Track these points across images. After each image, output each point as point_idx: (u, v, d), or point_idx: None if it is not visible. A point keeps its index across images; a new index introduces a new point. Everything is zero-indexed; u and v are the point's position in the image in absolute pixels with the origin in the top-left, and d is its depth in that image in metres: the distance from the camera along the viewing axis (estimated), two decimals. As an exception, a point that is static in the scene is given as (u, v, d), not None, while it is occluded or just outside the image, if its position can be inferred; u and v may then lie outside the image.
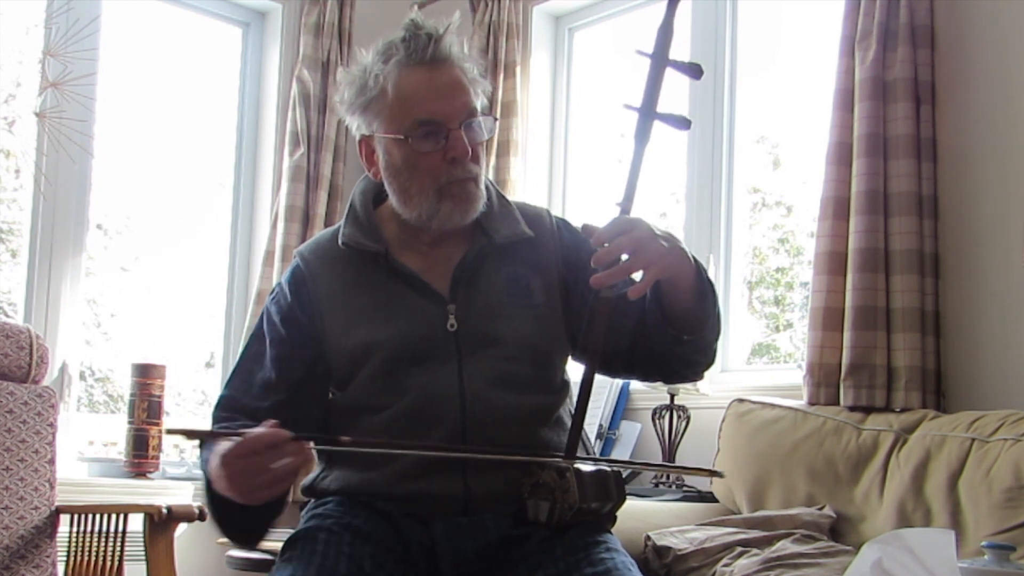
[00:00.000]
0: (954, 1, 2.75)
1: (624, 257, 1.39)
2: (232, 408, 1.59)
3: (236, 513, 1.43)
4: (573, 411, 1.51)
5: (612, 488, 1.50)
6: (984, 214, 2.65)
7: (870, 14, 2.75)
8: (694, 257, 1.50)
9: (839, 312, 2.71)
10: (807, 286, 3.01)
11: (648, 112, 1.45)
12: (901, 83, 2.68)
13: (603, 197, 3.85)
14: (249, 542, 1.55)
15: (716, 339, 1.58)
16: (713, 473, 1.59)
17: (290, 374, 1.59)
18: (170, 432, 1.38)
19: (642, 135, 1.45)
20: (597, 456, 2.55)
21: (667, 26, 1.45)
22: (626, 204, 1.45)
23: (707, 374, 1.77)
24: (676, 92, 3.37)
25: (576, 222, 1.75)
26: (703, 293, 1.50)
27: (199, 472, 3.57)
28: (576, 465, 1.45)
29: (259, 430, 1.30)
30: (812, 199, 2.95)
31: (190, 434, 1.45)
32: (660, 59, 1.45)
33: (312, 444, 1.38)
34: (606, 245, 1.39)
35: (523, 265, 1.62)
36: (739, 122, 3.40)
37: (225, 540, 3.20)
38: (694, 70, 1.47)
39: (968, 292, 2.66)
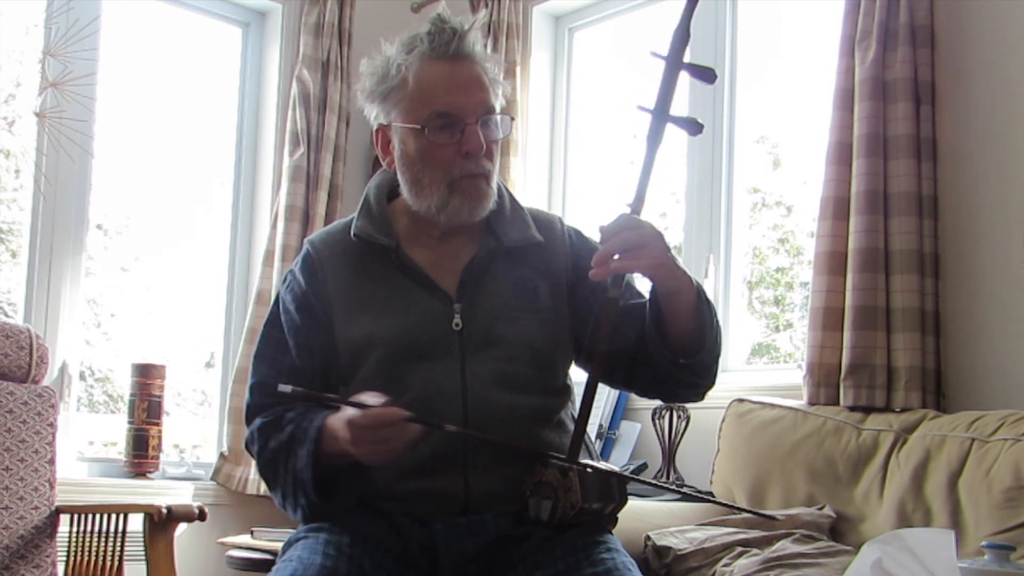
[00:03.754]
0: (954, 1, 2.75)
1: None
2: (271, 393, 1.59)
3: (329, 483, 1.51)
4: (576, 414, 1.51)
5: (614, 489, 1.50)
6: (984, 214, 2.65)
7: (870, 14, 2.75)
8: (697, 282, 1.51)
9: (839, 312, 2.71)
10: (807, 286, 3.01)
11: (661, 114, 1.46)
12: (901, 83, 2.69)
13: (603, 197, 3.86)
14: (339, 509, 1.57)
15: (714, 363, 1.58)
16: (771, 517, 1.59)
17: (309, 363, 1.60)
18: (283, 391, 1.43)
19: (655, 137, 1.46)
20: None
21: (683, 29, 1.46)
22: (636, 205, 1.46)
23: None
24: (676, 92, 3.37)
25: (577, 221, 1.76)
26: (702, 317, 1.51)
27: (199, 472, 3.55)
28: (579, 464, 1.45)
29: (379, 409, 1.37)
30: (812, 199, 2.95)
31: (309, 396, 1.50)
32: (675, 62, 1.45)
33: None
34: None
35: (531, 269, 1.63)
36: (739, 122, 3.40)
37: (226, 539, 3.19)
38: (708, 75, 1.48)
39: (968, 292, 2.66)
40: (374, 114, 1.62)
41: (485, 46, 1.58)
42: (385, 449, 1.40)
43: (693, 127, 1.47)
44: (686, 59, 1.48)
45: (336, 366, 1.60)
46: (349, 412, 1.40)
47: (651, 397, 1.69)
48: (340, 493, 1.52)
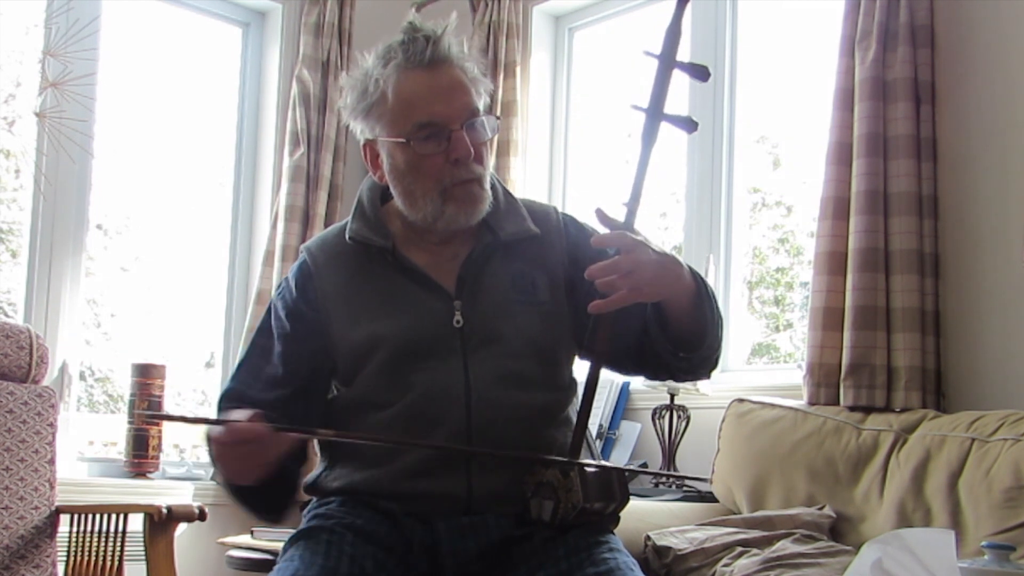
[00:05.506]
0: (954, 1, 2.75)
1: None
2: (238, 399, 1.59)
3: (253, 491, 1.52)
4: (578, 411, 1.51)
5: (616, 489, 1.50)
6: (984, 214, 2.65)
7: (870, 14, 2.75)
8: (697, 274, 1.51)
9: (839, 312, 2.71)
10: (807, 286, 3.01)
11: (655, 113, 1.45)
12: (901, 83, 2.69)
13: (603, 197, 3.85)
14: (270, 515, 1.62)
15: (715, 351, 1.59)
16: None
17: (296, 368, 1.59)
18: (149, 416, 1.45)
19: (649, 136, 1.46)
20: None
21: (675, 28, 1.46)
22: (632, 204, 1.46)
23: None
24: (676, 92, 3.37)
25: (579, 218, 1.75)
26: (703, 315, 1.51)
27: (200, 472, 3.55)
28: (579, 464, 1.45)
29: (241, 424, 1.36)
30: (812, 199, 2.95)
31: (169, 418, 1.49)
32: (668, 61, 1.45)
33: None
34: (610, 251, 1.40)
35: (529, 262, 1.62)
36: (739, 122, 3.40)
37: (226, 539, 3.20)
38: (701, 72, 1.48)
39: (968, 292, 2.66)
40: (359, 130, 1.60)
41: (461, 46, 1.55)
42: (249, 466, 1.40)
43: (688, 125, 1.47)
44: (682, 57, 1.47)
45: (330, 371, 1.60)
46: (214, 430, 1.40)
47: (660, 379, 1.73)
48: (261, 495, 1.53)
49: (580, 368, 1.67)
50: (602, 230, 1.48)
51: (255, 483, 1.45)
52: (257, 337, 1.66)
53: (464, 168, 1.54)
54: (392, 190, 1.60)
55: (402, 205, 1.59)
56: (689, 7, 1.49)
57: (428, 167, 1.53)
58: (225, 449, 1.39)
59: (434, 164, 1.53)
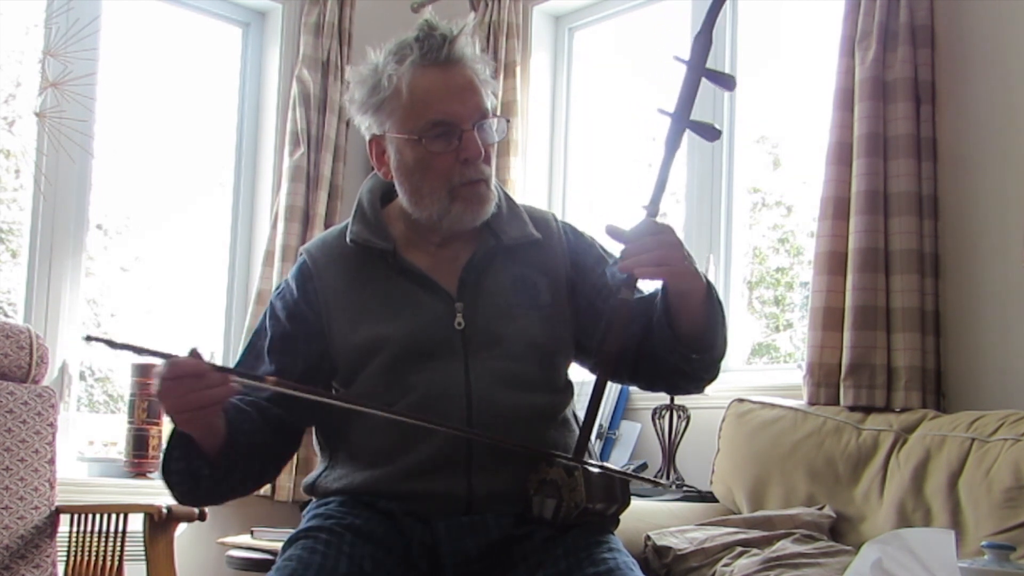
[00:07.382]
0: (954, 1, 2.75)
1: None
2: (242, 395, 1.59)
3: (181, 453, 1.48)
4: (584, 413, 1.51)
5: (618, 490, 1.50)
6: (984, 214, 2.66)
7: (870, 14, 2.75)
8: (707, 279, 1.52)
9: (839, 312, 2.71)
10: (807, 286, 3.01)
11: (681, 119, 1.46)
12: (901, 83, 2.69)
13: (603, 197, 3.86)
14: (198, 490, 1.55)
15: (722, 358, 1.60)
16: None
17: (292, 367, 1.59)
18: (89, 339, 1.40)
19: (673, 141, 1.47)
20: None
21: (706, 35, 1.47)
22: (652, 208, 1.48)
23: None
24: (674, 91, 3.37)
25: (576, 221, 1.76)
26: (713, 313, 1.52)
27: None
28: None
29: (183, 358, 1.36)
30: (812, 199, 2.95)
31: (111, 344, 1.42)
32: (697, 68, 1.46)
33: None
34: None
35: (530, 266, 1.63)
36: (739, 122, 3.40)
37: (226, 539, 3.19)
38: (728, 81, 1.49)
39: (968, 292, 2.66)
40: (366, 125, 1.60)
41: (474, 48, 1.57)
42: (191, 404, 1.36)
43: (711, 133, 1.48)
44: (709, 65, 1.48)
45: (329, 372, 1.60)
46: (160, 368, 1.38)
47: (655, 390, 1.70)
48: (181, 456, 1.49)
49: (576, 371, 1.67)
50: (603, 239, 1.49)
51: (195, 435, 1.43)
52: (254, 338, 1.66)
53: (473, 168, 1.54)
54: (398, 187, 1.61)
55: (407, 203, 1.59)
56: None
57: (437, 165, 1.54)
58: (168, 384, 1.36)
59: (444, 162, 1.54)
